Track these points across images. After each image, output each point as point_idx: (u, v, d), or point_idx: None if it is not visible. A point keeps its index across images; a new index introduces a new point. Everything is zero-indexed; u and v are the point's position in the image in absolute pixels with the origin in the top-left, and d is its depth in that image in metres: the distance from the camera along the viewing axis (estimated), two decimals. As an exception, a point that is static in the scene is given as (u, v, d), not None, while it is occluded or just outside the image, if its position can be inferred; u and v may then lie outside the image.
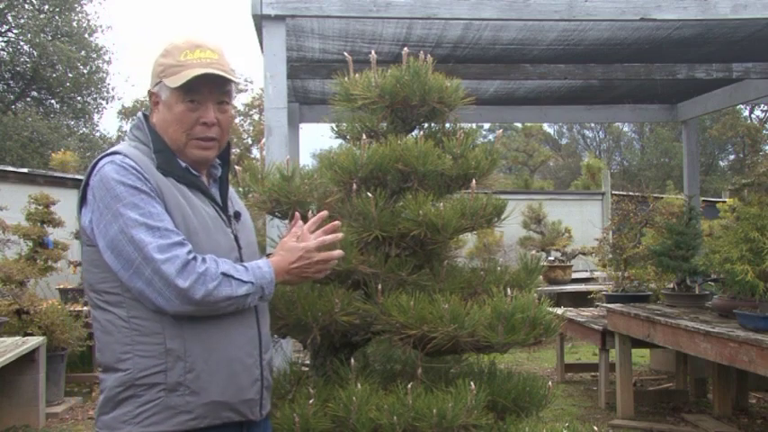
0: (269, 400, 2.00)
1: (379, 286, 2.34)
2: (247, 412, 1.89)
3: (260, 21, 4.00)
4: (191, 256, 1.75)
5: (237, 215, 2.00)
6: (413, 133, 2.71)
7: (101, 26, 22.44)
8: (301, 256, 1.91)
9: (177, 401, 1.78)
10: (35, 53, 20.19)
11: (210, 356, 1.81)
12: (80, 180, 2.17)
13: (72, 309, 6.52)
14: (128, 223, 1.73)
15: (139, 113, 2.01)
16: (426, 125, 2.74)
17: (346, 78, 2.67)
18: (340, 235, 2.01)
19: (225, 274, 1.77)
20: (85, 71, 21.41)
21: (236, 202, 2.07)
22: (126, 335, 1.79)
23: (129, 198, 1.75)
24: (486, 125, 26.77)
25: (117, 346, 1.80)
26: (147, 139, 1.91)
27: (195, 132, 1.90)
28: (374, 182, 2.48)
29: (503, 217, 2.60)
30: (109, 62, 22.23)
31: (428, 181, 2.50)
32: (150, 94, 1.95)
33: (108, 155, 1.84)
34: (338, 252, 1.99)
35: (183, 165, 1.91)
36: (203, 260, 1.77)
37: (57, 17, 20.86)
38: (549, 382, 2.46)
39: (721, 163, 30.23)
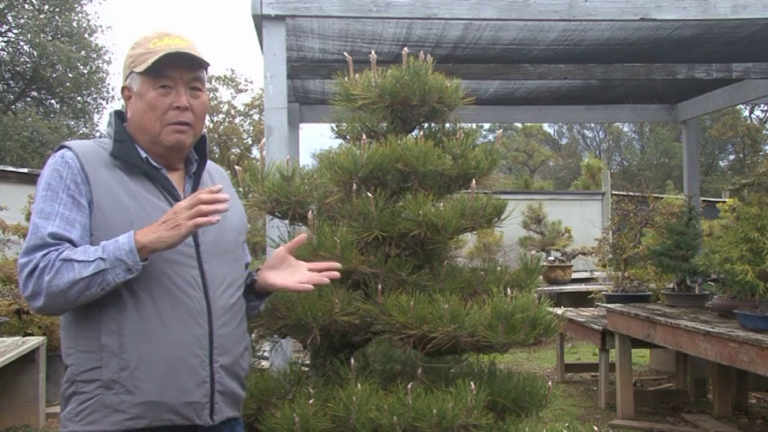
0: (229, 406, 1.91)
1: (379, 286, 2.34)
2: (192, 416, 1.81)
3: (260, 21, 4.00)
4: (44, 252, 1.71)
5: None
6: (413, 133, 2.71)
7: (101, 26, 22.51)
8: (170, 212, 1.76)
9: (113, 400, 1.74)
10: (35, 53, 20.19)
11: (147, 354, 1.75)
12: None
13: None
14: (33, 215, 1.81)
15: (111, 111, 2.01)
16: (426, 125, 2.74)
17: (346, 78, 2.67)
18: (224, 206, 1.78)
19: (65, 260, 1.70)
20: (85, 71, 21.43)
21: None
22: (71, 329, 1.81)
23: (42, 193, 1.81)
24: (486, 125, 26.80)
25: (65, 341, 1.83)
26: (112, 132, 1.92)
27: (169, 118, 1.88)
28: (374, 182, 2.48)
29: (503, 217, 2.60)
30: (109, 62, 22.27)
31: (428, 181, 2.50)
32: (123, 89, 1.94)
33: (58, 149, 1.88)
34: (211, 208, 1.75)
35: (144, 155, 1.89)
36: (54, 251, 1.71)
37: (57, 17, 20.86)
38: (549, 382, 2.46)
39: (721, 163, 30.23)
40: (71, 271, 1.69)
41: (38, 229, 1.75)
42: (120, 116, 1.97)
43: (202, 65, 1.92)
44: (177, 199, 1.89)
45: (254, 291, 2.09)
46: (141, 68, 1.85)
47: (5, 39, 20.83)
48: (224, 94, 19.87)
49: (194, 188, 1.96)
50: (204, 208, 1.74)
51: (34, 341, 5.39)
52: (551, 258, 10.67)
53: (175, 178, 1.95)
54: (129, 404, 1.74)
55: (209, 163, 2.07)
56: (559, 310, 3.40)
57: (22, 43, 20.62)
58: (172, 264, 1.81)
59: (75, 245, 1.75)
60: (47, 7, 20.91)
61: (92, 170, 1.82)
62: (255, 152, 17.10)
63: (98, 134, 22.66)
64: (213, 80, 22.35)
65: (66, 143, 1.88)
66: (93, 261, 1.70)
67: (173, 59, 1.85)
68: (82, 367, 1.77)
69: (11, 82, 21.63)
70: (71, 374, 1.79)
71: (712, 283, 5.68)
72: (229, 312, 1.92)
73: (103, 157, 1.86)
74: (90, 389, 1.75)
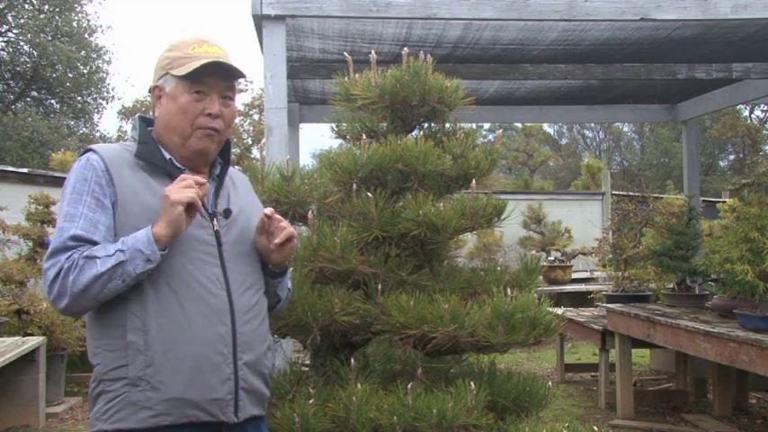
0: (253, 404, 1.92)
1: (379, 286, 2.34)
2: (217, 413, 1.82)
3: (260, 21, 4.00)
4: (68, 255, 1.75)
5: (227, 212, 1.97)
6: (413, 133, 2.71)
7: (101, 26, 22.40)
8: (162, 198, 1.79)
9: (139, 397, 1.76)
10: (35, 53, 20.16)
11: (171, 351, 1.77)
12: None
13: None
14: (59, 219, 1.85)
15: (136, 116, 2.05)
16: (426, 125, 2.74)
17: (346, 78, 2.67)
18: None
19: (88, 257, 1.74)
20: (85, 71, 21.38)
21: (235, 201, 2.02)
22: (97, 329, 1.83)
23: (68, 196, 1.85)
24: (486, 125, 26.80)
25: (91, 341, 1.85)
26: (136, 135, 1.96)
27: (199, 123, 1.92)
28: (374, 182, 2.49)
29: (503, 217, 2.60)
30: (109, 62, 22.21)
31: (428, 181, 2.51)
32: (153, 88, 1.98)
33: (84, 152, 1.92)
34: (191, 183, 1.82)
35: (168, 157, 1.93)
36: (76, 252, 1.75)
37: (57, 17, 20.83)
38: (549, 382, 2.46)
39: (721, 163, 30.21)
40: (93, 267, 1.73)
41: (62, 232, 1.80)
42: (144, 120, 2.01)
43: (238, 76, 1.97)
44: (201, 199, 1.91)
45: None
46: (180, 72, 1.89)
47: (5, 39, 20.81)
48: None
49: (217, 190, 1.99)
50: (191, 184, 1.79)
51: (34, 341, 5.39)
52: (551, 258, 10.67)
53: None
54: (155, 401, 1.76)
55: (231, 168, 2.11)
56: (559, 310, 3.40)
57: (22, 43, 20.58)
58: (195, 262, 1.84)
59: None
60: (47, 7, 20.87)
61: (116, 171, 1.85)
62: (255, 152, 17.10)
63: (98, 134, 22.71)
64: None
65: (92, 146, 1.92)
66: (112, 254, 1.74)
67: (212, 68, 1.90)
68: (108, 366, 1.79)
69: (11, 82, 21.60)
70: (98, 374, 1.81)
71: (712, 283, 5.68)
72: (252, 311, 1.94)
73: (128, 158, 1.90)
74: (116, 387, 1.78)
